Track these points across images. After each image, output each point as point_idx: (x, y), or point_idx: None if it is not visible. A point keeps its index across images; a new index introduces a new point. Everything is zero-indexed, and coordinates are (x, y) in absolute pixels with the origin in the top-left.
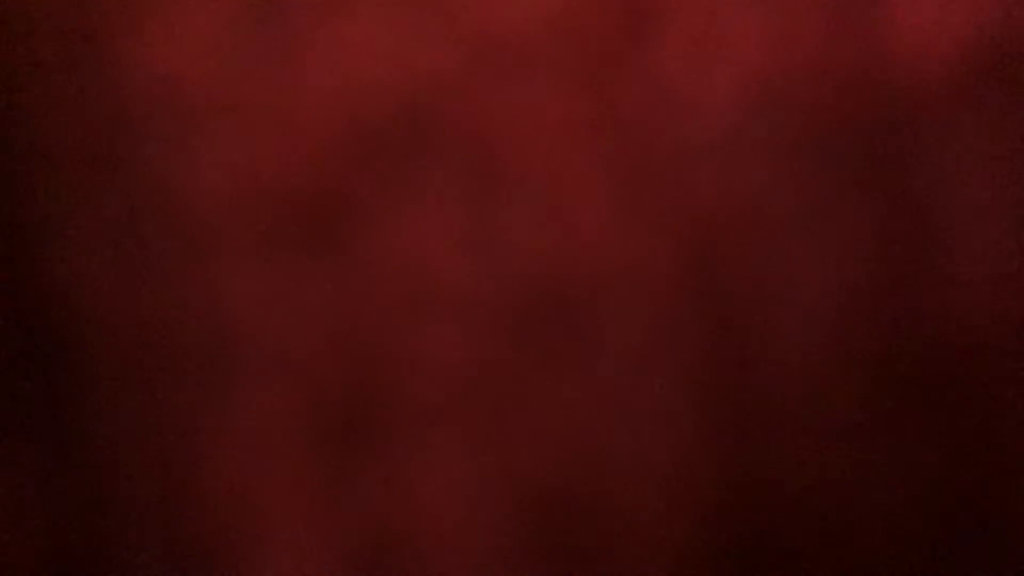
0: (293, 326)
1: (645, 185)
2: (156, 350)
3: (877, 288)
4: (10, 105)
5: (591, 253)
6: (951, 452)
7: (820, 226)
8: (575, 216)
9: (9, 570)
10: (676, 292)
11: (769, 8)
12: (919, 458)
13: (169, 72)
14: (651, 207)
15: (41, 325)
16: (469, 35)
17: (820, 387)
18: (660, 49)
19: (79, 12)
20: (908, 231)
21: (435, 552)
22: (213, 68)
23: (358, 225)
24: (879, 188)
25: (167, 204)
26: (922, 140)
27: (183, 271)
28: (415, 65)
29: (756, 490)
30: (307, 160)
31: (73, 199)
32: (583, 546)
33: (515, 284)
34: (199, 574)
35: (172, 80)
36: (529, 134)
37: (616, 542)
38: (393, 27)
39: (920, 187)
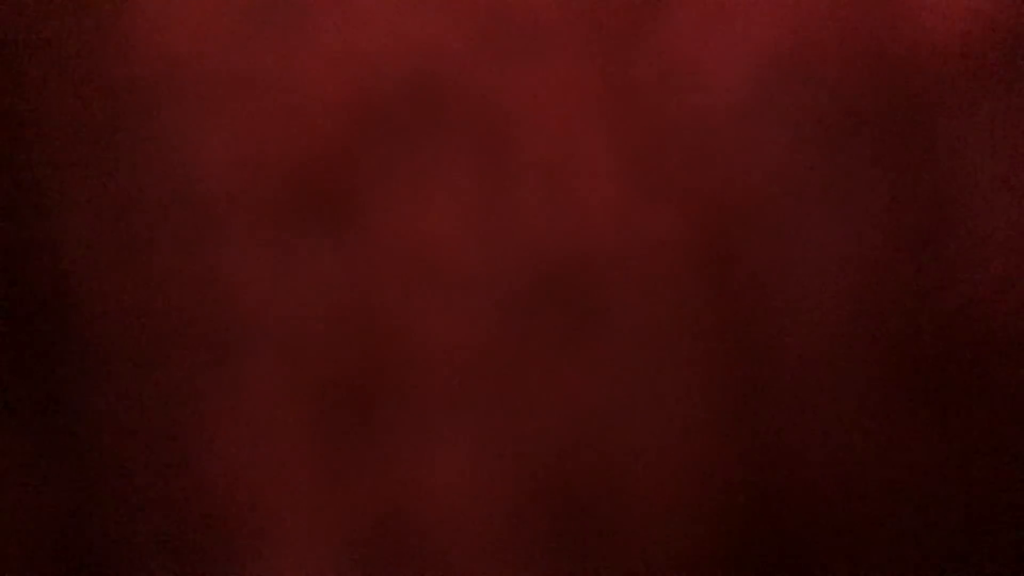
0: (300, 306)
1: (659, 162)
2: (159, 332)
3: (894, 267)
4: (13, 81)
5: (603, 231)
6: (969, 437)
7: (836, 204)
8: (587, 193)
9: (8, 561)
10: (690, 271)
11: None
12: (936, 444)
13: (173, 47)
14: (665, 185)
15: (41, 307)
16: (480, 8)
17: (836, 370)
18: (674, 23)
19: None
20: (926, 209)
21: (443, 538)
22: (218, 43)
23: (366, 202)
24: (896, 165)
25: (172, 181)
26: (941, 116)
27: (187, 250)
28: (425, 40)
29: (770, 476)
30: (315, 137)
31: (76, 177)
32: (592, 533)
33: (526, 263)
34: (204, 560)
35: (176, 55)
36: (540, 110)
37: (626, 529)
38: (402, 0)
39: (938, 164)
